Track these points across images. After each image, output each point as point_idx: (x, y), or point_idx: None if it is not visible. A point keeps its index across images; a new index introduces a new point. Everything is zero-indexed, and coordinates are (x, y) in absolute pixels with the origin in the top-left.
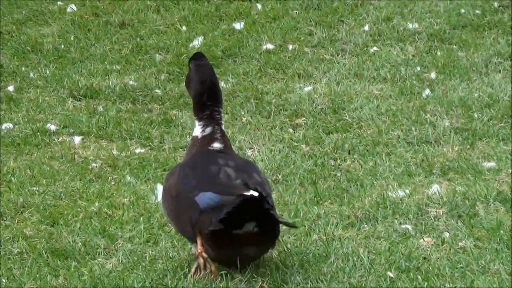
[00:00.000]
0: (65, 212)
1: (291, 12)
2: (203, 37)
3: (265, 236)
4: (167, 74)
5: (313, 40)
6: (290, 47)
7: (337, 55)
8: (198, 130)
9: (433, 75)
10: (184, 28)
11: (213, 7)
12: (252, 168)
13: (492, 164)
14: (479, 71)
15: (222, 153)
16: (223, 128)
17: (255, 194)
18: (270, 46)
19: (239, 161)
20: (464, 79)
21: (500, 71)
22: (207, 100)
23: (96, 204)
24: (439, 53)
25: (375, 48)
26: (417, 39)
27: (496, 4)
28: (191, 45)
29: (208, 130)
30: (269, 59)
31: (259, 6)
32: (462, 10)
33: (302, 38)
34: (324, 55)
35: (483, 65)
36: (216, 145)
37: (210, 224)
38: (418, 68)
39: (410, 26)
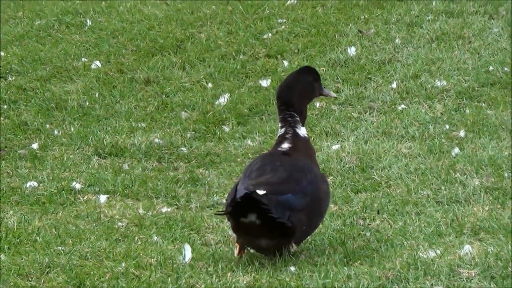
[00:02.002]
0: (92, 272)
1: (318, 69)
2: (229, 94)
3: (271, 230)
4: (193, 132)
5: (341, 97)
6: (318, 104)
7: (365, 113)
8: (278, 130)
9: (462, 133)
10: (210, 85)
11: (239, 64)
12: (292, 170)
13: None
14: (508, 129)
15: (286, 155)
16: (297, 130)
17: (259, 192)
18: None
19: (287, 163)
20: (493, 137)
21: None
22: (280, 104)
23: (123, 264)
24: (467, 111)
25: (403, 106)
26: (445, 97)
27: None
28: (217, 102)
29: (282, 130)
30: None
31: (285, 63)
32: (491, 68)
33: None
34: (352, 113)
35: None
36: (285, 146)
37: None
38: (447, 126)
39: (438, 83)
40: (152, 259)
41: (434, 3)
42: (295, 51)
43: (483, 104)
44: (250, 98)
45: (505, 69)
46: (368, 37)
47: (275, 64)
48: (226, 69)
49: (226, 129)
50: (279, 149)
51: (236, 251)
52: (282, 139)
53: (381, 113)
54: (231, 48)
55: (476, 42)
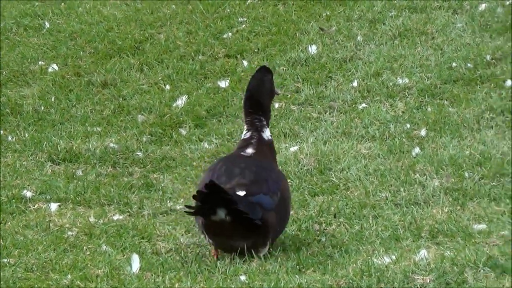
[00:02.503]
0: (36, 286)
1: (278, 69)
2: (187, 96)
3: (244, 228)
4: (149, 136)
5: (300, 97)
6: (277, 105)
7: (325, 113)
8: (243, 133)
9: (423, 132)
10: (168, 87)
11: (198, 65)
12: (259, 171)
13: (483, 226)
14: (470, 128)
15: (250, 157)
16: (263, 134)
17: (240, 193)
18: None
19: (252, 165)
20: (455, 136)
21: (492, 127)
22: (249, 107)
23: (69, 276)
24: (429, 109)
25: (363, 105)
26: (407, 95)
27: (488, 57)
28: (174, 104)
29: (248, 135)
30: None
31: (245, 63)
32: (454, 64)
33: (289, 95)
34: (311, 113)
35: (474, 121)
36: (249, 151)
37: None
38: (408, 125)
39: (400, 81)
40: (99, 270)
41: None
42: (255, 50)
43: (445, 102)
44: (208, 99)
45: (468, 65)
46: (329, 34)
47: (234, 64)
48: (185, 70)
49: (183, 132)
50: (242, 153)
51: (212, 251)
52: (247, 143)
53: (341, 113)
54: (190, 49)
55: (439, 38)
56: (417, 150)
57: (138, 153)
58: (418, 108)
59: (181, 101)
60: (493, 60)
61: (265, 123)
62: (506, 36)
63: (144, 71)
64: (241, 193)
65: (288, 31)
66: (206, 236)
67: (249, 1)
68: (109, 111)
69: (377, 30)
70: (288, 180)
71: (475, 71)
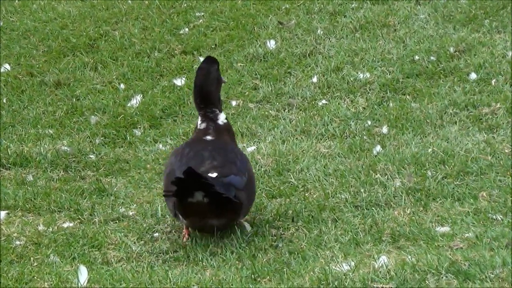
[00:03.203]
0: None
1: (236, 65)
2: (142, 95)
3: (220, 208)
4: (102, 138)
5: (258, 94)
6: (234, 103)
7: (284, 111)
8: (198, 123)
9: (384, 129)
10: (122, 86)
11: (153, 62)
12: (227, 153)
13: (446, 228)
14: (433, 124)
15: (213, 141)
16: (219, 122)
17: (212, 175)
18: None
19: (218, 147)
20: (417, 132)
21: (456, 123)
22: (200, 102)
23: None
24: (391, 104)
25: (323, 102)
26: (368, 90)
27: (452, 49)
28: (129, 104)
29: (203, 125)
30: None
31: (201, 59)
32: (416, 57)
33: (247, 93)
34: (270, 111)
35: (437, 116)
36: (208, 138)
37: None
38: (369, 122)
39: (361, 76)
40: (46, 283)
41: None
42: (212, 46)
43: (408, 97)
44: (163, 98)
45: (431, 58)
46: (288, 28)
47: (191, 61)
48: (140, 68)
49: (137, 133)
50: (204, 138)
51: (184, 239)
52: (205, 132)
53: (300, 110)
54: (145, 46)
55: (401, 30)
56: (378, 148)
57: (90, 156)
58: (379, 104)
59: (135, 101)
60: (457, 52)
61: (217, 112)
62: (469, 27)
63: (98, 70)
64: (214, 174)
65: (246, 26)
66: (180, 216)
67: None
68: (61, 112)
69: (338, 23)
70: None
71: (438, 64)
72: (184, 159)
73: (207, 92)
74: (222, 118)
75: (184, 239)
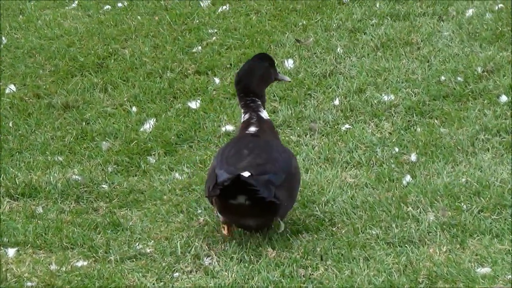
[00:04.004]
0: None
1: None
2: (155, 119)
3: (260, 209)
4: (115, 165)
5: (278, 118)
6: (252, 128)
7: (305, 136)
8: (241, 117)
9: (413, 157)
10: (134, 109)
11: (166, 83)
12: (270, 150)
13: (486, 269)
14: (465, 151)
15: (255, 136)
16: (261, 114)
17: (245, 174)
18: (230, 127)
19: (262, 144)
20: (448, 161)
21: (488, 150)
22: (239, 92)
23: None
24: (419, 129)
25: (347, 126)
26: (393, 113)
27: (479, 69)
28: (141, 128)
29: (247, 116)
30: None
31: (217, 80)
32: (442, 78)
33: None
34: (291, 136)
35: (469, 143)
36: (252, 129)
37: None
38: (396, 149)
39: (385, 98)
40: None
41: (377, 5)
42: (227, 66)
43: (436, 121)
44: (178, 122)
45: (458, 78)
46: (307, 46)
47: (205, 81)
48: (152, 89)
49: (152, 160)
50: (247, 132)
51: (224, 232)
52: (248, 124)
53: (323, 135)
54: (157, 65)
55: (425, 48)
56: (408, 178)
57: (103, 186)
58: (406, 128)
59: (148, 125)
60: (485, 73)
61: (259, 103)
62: (496, 45)
63: (108, 91)
64: (246, 174)
65: (262, 44)
66: (220, 214)
67: (219, 9)
68: (71, 137)
69: (358, 41)
70: None
71: (466, 85)
72: (224, 157)
73: (246, 85)
74: (265, 113)
75: (226, 233)
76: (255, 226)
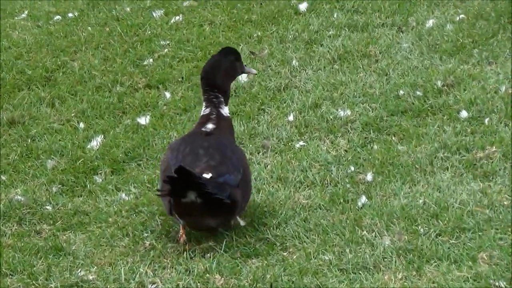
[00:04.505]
0: None
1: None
2: (103, 135)
3: (214, 207)
4: (60, 185)
5: None
6: None
7: (258, 154)
8: (202, 110)
9: (369, 176)
10: (81, 125)
11: (115, 98)
12: (223, 150)
13: None
14: (423, 170)
15: (210, 134)
16: (221, 111)
17: (206, 176)
18: None
19: (215, 144)
20: (406, 180)
21: (447, 169)
22: (204, 86)
23: None
24: (375, 147)
25: (301, 143)
26: (349, 130)
27: (439, 83)
28: (89, 146)
29: (207, 111)
30: None
31: (167, 94)
32: (401, 92)
33: None
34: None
35: (427, 161)
36: (209, 126)
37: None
38: (352, 168)
39: (341, 113)
40: None
41: (335, 15)
42: (179, 79)
43: (393, 138)
44: (126, 139)
45: (417, 93)
46: (261, 59)
47: (156, 96)
48: (101, 104)
49: (98, 179)
50: (203, 129)
51: (181, 240)
52: (206, 119)
53: (276, 153)
54: (107, 78)
55: (383, 61)
56: (363, 199)
57: (47, 207)
58: (362, 146)
59: (96, 142)
60: (445, 87)
61: (222, 99)
62: (457, 57)
63: (56, 106)
64: (208, 175)
65: None
66: (176, 216)
67: (172, 21)
68: (15, 155)
69: (314, 53)
70: (216, 240)
71: (425, 100)
72: (179, 156)
73: (211, 79)
74: (225, 110)
75: (181, 240)
76: (213, 226)
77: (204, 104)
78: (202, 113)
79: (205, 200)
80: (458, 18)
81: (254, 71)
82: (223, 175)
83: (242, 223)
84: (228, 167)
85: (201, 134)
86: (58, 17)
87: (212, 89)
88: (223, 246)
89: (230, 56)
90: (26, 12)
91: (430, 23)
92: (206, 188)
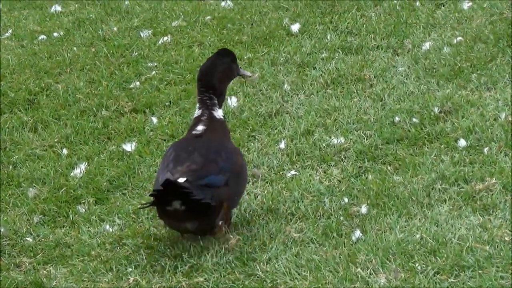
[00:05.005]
0: None
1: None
2: (87, 163)
3: (196, 212)
4: (41, 215)
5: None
6: None
7: (247, 183)
8: (195, 111)
9: (364, 208)
10: (65, 151)
11: (100, 123)
12: (208, 151)
13: None
14: (420, 202)
15: (198, 137)
16: (214, 113)
17: (180, 180)
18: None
19: (201, 146)
20: (402, 213)
21: (445, 201)
22: (200, 86)
23: None
24: (370, 177)
25: (293, 172)
26: (343, 158)
27: (436, 109)
28: (72, 173)
29: (199, 112)
30: None
31: (154, 119)
32: (397, 119)
33: None
34: None
35: (424, 193)
36: (199, 128)
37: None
38: (346, 200)
39: (334, 141)
40: None
41: (329, 37)
42: (166, 103)
43: (389, 168)
44: (111, 167)
45: (414, 120)
46: (252, 82)
47: (142, 121)
48: (85, 129)
49: (81, 209)
50: (193, 132)
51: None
52: (197, 121)
53: (266, 182)
54: (92, 102)
55: (378, 86)
56: (357, 233)
57: (27, 239)
58: (357, 176)
59: (79, 170)
60: (442, 114)
61: (216, 101)
62: (455, 82)
63: (39, 131)
64: (182, 180)
65: None
66: (162, 220)
67: (160, 42)
68: None
69: (307, 77)
70: (204, 276)
71: (421, 127)
72: (166, 163)
73: (207, 81)
74: (219, 113)
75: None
76: (194, 229)
77: (197, 105)
78: (195, 115)
79: (189, 206)
80: (455, 41)
81: (249, 73)
82: (205, 177)
83: (224, 228)
84: (211, 168)
85: (190, 138)
86: (43, 36)
87: (207, 90)
88: (211, 283)
89: (227, 57)
90: (10, 31)
91: (426, 45)
92: (192, 196)
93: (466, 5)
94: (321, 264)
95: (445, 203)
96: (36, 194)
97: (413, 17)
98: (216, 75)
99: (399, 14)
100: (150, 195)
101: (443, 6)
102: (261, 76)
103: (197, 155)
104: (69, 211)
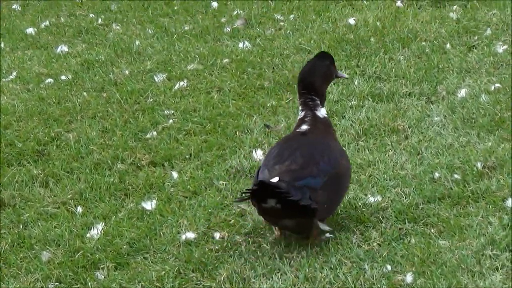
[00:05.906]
0: None
1: (216, 183)
2: (104, 222)
3: (293, 211)
4: (57, 282)
5: (247, 224)
6: (217, 235)
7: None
8: (299, 113)
9: (409, 277)
10: (79, 209)
11: (116, 177)
12: (311, 151)
13: None
14: (470, 270)
15: (304, 134)
16: (317, 113)
17: (274, 180)
18: (190, 235)
19: (305, 144)
20: (452, 283)
21: (497, 269)
22: (301, 89)
23: None
24: (413, 240)
25: (328, 235)
26: (381, 219)
27: (479, 165)
28: (88, 234)
29: (302, 114)
30: (191, 256)
31: (174, 174)
32: (436, 174)
33: (232, 221)
34: (263, 245)
35: (474, 260)
36: (303, 127)
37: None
38: (389, 267)
39: (371, 199)
40: None
41: (356, 82)
42: (187, 156)
43: (432, 230)
44: (130, 227)
45: (455, 176)
46: (277, 133)
47: (161, 175)
48: (100, 184)
49: (100, 276)
50: (298, 130)
51: (276, 233)
52: (301, 122)
53: (300, 246)
54: (106, 154)
55: (414, 137)
56: None
57: None
58: (397, 239)
59: (96, 230)
60: (486, 169)
61: (318, 102)
62: (497, 134)
63: (50, 186)
64: (275, 179)
65: (226, 129)
66: (262, 217)
67: (176, 87)
68: (6, 244)
69: (336, 127)
70: None
71: (464, 184)
72: (268, 159)
73: (309, 82)
74: (322, 112)
75: (277, 233)
76: (293, 227)
77: (300, 108)
78: (298, 117)
79: (284, 205)
80: (493, 88)
81: (345, 75)
82: (303, 178)
83: (326, 228)
84: (311, 170)
85: (295, 135)
86: (50, 80)
87: (309, 92)
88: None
89: (326, 60)
90: (14, 73)
91: (462, 92)
92: (288, 197)
93: (501, 48)
94: None
95: (497, 271)
96: (50, 258)
97: (445, 60)
98: (317, 78)
99: (430, 58)
100: (246, 192)
101: (475, 48)
102: (287, 126)
103: (299, 154)
104: (87, 277)
